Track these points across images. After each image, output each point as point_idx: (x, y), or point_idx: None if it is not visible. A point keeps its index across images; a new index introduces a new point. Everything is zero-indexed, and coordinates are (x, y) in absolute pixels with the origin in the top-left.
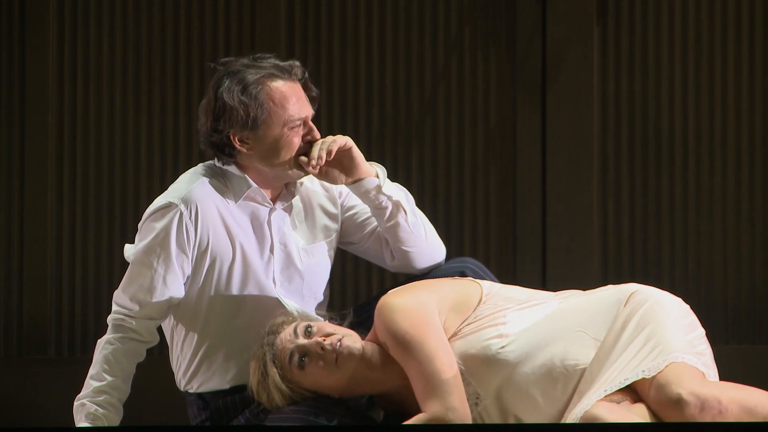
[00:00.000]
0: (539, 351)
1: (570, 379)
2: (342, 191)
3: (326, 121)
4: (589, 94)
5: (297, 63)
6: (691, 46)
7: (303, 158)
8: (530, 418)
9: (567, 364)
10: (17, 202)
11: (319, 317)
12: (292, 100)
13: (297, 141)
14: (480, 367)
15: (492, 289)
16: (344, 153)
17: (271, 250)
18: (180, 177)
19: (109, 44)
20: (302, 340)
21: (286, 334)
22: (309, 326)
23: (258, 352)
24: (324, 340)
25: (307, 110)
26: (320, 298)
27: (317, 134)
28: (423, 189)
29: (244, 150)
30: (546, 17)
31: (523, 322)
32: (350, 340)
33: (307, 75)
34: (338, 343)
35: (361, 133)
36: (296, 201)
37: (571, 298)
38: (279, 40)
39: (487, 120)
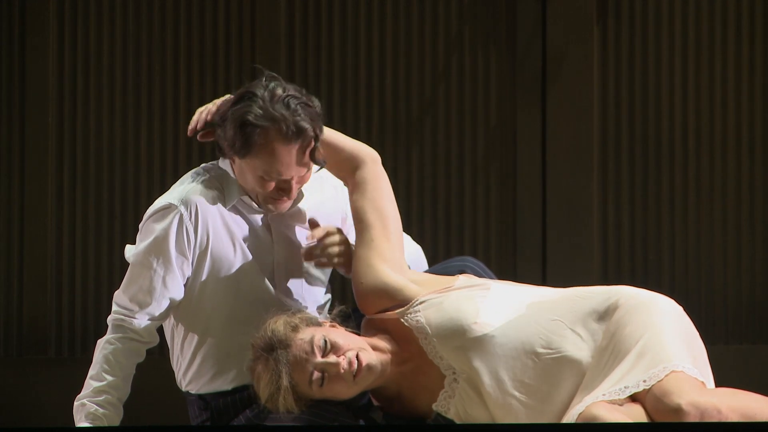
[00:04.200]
0: (514, 333)
1: (540, 366)
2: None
3: (327, 121)
4: (589, 94)
5: (310, 128)
6: (691, 45)
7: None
8: (496, 400)
9: (539, 351)
10: (17, 202)
11: (319, 317)
12: (280, 162)
13: (265, 189)
14: (451, 341)
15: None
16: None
17: (272, 252)
18: (181, 178)
19: (109, 44)
20: (320, 359)
21: (301, 350)
22: (324, 341)
23: (272, 366)
24: (342, 359)
25: (291, 173)
26: (320, 300)
27: (294, 194)
28: (423, 189)
29: (229, 160)
30: (546, 17)
31: (502, 301)
32: (366, 355)
33: (317, 144)
34: (356, 361)
35: (361, 133)
36: (308, 192)
37: (560, 290)
38: (279, 39)
39: (487, 120)
